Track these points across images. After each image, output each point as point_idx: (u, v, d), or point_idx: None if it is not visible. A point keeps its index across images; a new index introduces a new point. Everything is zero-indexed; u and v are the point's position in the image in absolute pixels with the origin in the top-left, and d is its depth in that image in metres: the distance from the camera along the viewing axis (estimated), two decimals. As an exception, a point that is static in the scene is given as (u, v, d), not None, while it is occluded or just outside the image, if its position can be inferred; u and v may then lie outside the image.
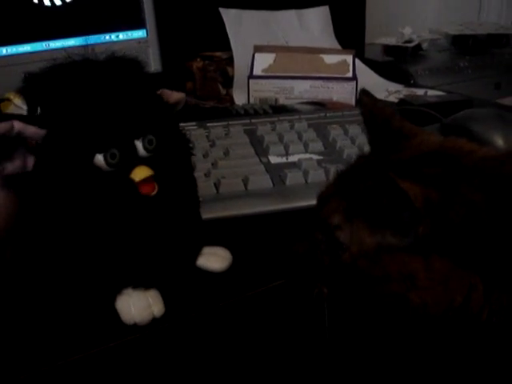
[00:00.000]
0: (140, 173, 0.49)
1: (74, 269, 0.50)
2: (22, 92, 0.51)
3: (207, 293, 0.55)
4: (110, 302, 0.51)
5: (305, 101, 1.02)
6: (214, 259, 0.58)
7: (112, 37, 1.05)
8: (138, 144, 0.49)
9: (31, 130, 0.49)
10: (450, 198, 0.42)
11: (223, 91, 1.14)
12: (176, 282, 0.54)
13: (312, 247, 0.50)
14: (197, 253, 0.57)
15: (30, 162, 0.50)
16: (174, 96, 0.55)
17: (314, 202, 0.70)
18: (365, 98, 0.53)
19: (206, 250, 0.58)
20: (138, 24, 1.07)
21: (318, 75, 1.03)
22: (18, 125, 0.48)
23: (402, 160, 0.47)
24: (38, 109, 0.50)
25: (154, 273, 0.52)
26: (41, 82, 0.50)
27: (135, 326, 0.50)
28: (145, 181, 0.49)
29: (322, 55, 1.06)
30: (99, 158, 0.48)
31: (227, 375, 0.56)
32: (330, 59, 1.05)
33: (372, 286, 0.46)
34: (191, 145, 0.56)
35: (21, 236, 0.52)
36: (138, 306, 0.51)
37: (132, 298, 0.51)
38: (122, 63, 0.52)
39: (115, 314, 0.51)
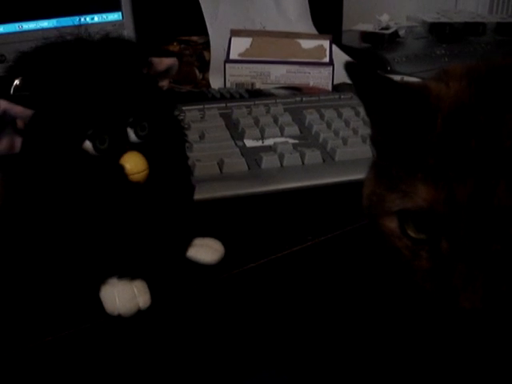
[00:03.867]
0: (131, 161, 0.47)
1: (58, 254, 0.49)
2: (11, 71, 0.49)
3: (195, 284, 0.55)
4: (94, 291, 0.50)
5: (281, 85, 1.02)
6: (204, 251, 0.57)
7: (87, 19, 1.03)
8: (130, 129, 0.48)
9: (17, 110, 0.47)
10: None
11: (199, 75, 1.13)
12: (164, 272, 0.53)
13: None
14: (187, 244, 0.57)
15: (18, 143, 0.48)
16: (165, 62, 0.53)
17: (288, 185, 0.70)
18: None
19: (197, 241, 0.57)
20: (114, 6, 1.05)
21: (294, 60, 1.02)
22: (3, 104, 0.46)
23: None
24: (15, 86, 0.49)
25: (141, 263, 0.51)
26: (31, 61, 0.49)
27: (119, 317, 0.49)
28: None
29: (298, 40, 1.05)
30: (87, 143, 0.46)
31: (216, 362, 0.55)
32: (307, 44, 1.05)
33: None
34: (185, 131, 0.55)
35: (6, 218, 0.50)
36: (122, 296, 0.50)
37: (117, 288, 0.50)
38: (116, 44, 0.51)
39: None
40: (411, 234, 0.45)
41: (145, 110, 0.49)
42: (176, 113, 0.55)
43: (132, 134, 0.48)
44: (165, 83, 0.54)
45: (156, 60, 0.52)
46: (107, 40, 0.51)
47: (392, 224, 0.46)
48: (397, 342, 0.52)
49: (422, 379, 0.51)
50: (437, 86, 0.44)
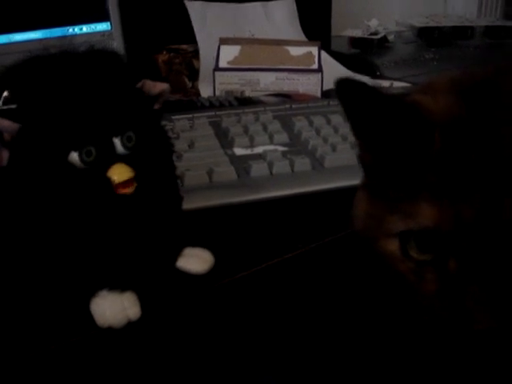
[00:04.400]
0: (118, 172, 0.47)
1: (47, 268, 0.49)
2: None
3: (186, 294, 0.54)
4: (84, 304, 0.50)
5: (271, 93, 1.02)
6: (194, 261, 0.57)
7: (75, 30, 1.03)
8: (117, 141, 0.48)
9: (5, 124, 0.47)
10: None
11: (189, 84, 1.14)
12: (154, 284, 0.53)
13: None
14: (177, 254, 0.57)
15: (5, 156, 0.48)
16: (158, 87, 0.53)
17: (278, 193, 0.70)
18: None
19: (187, 251, 0.57)
20: (102, 16, 1.06)
21: (283, 67, 1.03)
22: (-10, 118, 0.46)
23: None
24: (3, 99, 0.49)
25: (130, 274, 0.51)
26: (16, 75, 0.49)
27: (110, 329, 0.49)
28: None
29: (287, 47, 1.05)
30: (74, 156, 0.46)
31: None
32: (296, 51, 1.05)
33: None
34: (172, 141, 0.55)
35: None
36: (112, 308, 0.50)
37: (107, 301, 0.50)
38: (101, 56, 0.51)
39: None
40: (414, 255, 0.43)
41: (131, 121, 0.49)
42: (163, 123, 0.55)
43: (119, 146, 0.48)
44: (156, 107, 0.54)
45: (149, 83, 0.53)
46: (92, 52, 0.51)
47: (393, 246, 0.44)
48: (394, 354, 0.52)
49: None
50: (425, 100, 0.43)
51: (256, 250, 0.62)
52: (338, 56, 1.29)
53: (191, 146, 0.78)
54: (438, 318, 0.43)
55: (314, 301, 0.58)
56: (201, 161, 0.74)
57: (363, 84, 0.42)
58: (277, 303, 0.58)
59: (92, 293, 0.50)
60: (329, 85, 1.04)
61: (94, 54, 0.51)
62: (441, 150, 0.41)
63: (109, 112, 0.48)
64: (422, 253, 0.43)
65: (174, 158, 0.74)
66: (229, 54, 1.05)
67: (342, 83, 0.42)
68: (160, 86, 0.53)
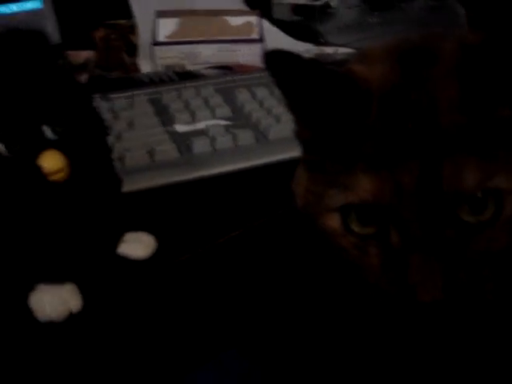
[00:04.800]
0: (48, 159, 0.45)
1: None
2: None
3: (129, 281, 0.53)
4: (22, 299, 0.48)
5: (212, 65, 0.99)
6: (136, 246, 0.55)
7: (3, 8, 0.99)
8: (45, 127, 0.45)
9: None
10: None
11: (128, 60, 1.10)
12: (95, 273, 0.51)
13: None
14: (117, 240, 0.55)
15: None
16: (82, 55, 0.51)
17: (222, 169, 0.69)
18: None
19: (128, 236, 0.56)
20: (32, -6, 1.01)
21: (223, 38, 1.00)
22: None
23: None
24: None
25: (68, 265, 0.49)
26: None
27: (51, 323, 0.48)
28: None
29: (226, 17, 1.03)
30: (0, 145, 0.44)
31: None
32: (235, 21, 1.03)
33: None
34: (105, 122, 0.53)
35: None
36: (52, 302, 0.48)
37: (46, 294, 0.48)
38: (24, 38, 0.48)
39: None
40: (356, 229, 0.41)
41: (58, 106, 0.46)
42: (99, 103, 0.52)
43: (48, 131, 0.46)
44: (83, 77, 0.52)
45: (73, 53, 0.50)
46: (13, 33, 0.48)
47: (334, 221, 0.42)
48: (340, 325, 0.51)
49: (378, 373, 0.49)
50: (362, 70, 0.41)
51: (202, 230, 0.60)
52: (280, 24, 1.26)
53: (131, 125, 0.75)
54: (384, 293, 0.41)
55: (263, 277, 0.56)
56: (141, 140, 0.72)
57: (294, 55, 0.40)
58: (224, 283, 0.57)
59: (30, 287, 0.48)
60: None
61: (15, 36, 0.48)
62: (377, 119, 0.40)
63: (32, 97, 0.45)
64: (364, 226, 0.41)
65: (113, 138, 0.72)
66: (167, 27, 1.02)
67: (271, 56, 0.40)
68: (84, 55, 0.51)
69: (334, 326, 0.51)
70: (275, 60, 0.40)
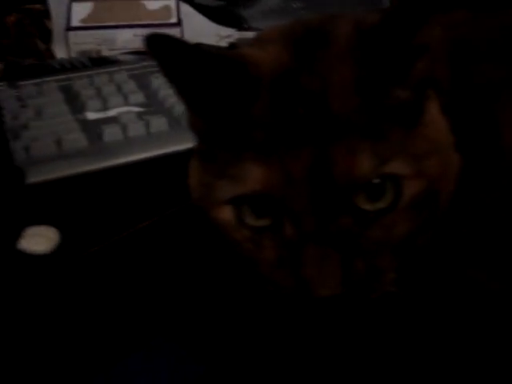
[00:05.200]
0: None
1: None
2: None
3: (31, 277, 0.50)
4: None
5: (129, 51, 0.96)
6: (37, 241, 0.53)
7: None
8: None
9: None
10: None
11: (43, 46, 1.05)
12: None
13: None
14: (17, 235, 0.52)
15: None
16: None
17: (134, 157, 0.66)
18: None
19: (29, 230, 0.53)
20: None
21: (140, 23, 0.97)
22: None
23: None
24: None
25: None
26: None
27: None
28: None
29: (143, 1, 1.00)
30: None
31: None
32: (152, 5, 1.00)
33: None
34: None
35: None
36: None
37: None
38: None
39: None
40: (250, 222, 0.39)
41: None
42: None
43: None
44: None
45: None
46: None
47: (226, 215, 0.40)
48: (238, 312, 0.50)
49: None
50: (253, 53, 0.40)
51: (111, 221, 0.58)
52: (202, 9, 1.23)
53: (39, 113, 0.72)
54: (281, 289, 0.39)
55: (173, 267, 0.54)
56: (49, 129, 0.69)
57: (175, 39, 0.37)
58: (134, 276, 0.55)
59: None
60: (192, 39, 1.00)
61: None
62: (266, 104, 0.37)
63: None
64: (259, 218, 0.39)
65: (19, 128, 0.68)
66: (81, 11, 0.98)
67: (151, 40, 0.37)
68: None
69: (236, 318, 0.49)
70: (156, 45, 0.37)
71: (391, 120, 0.37)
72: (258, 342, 0.47)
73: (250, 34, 1.16)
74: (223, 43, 1.09)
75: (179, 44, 0.37)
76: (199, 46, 0.38)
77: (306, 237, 0.37)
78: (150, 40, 0.37)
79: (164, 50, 0.37)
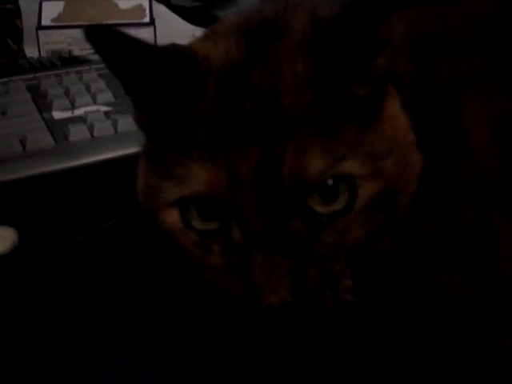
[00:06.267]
0: None
1: None
2: None
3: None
4: None
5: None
6: None
7: None
8: None
9: None
10: None
11: (14, 46, 1.04)
12: None
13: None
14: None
15: None
16: None
17: (99, 157, 0.65)
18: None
19: None
20: None
21: (112, 22, 0.95)
22: None
23: None
24: None
25: None
26: None
27: None
28: None
29: (115, 0, 0.98)
30: None
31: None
32: (125, 4, 0.99)
33: None
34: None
35: None
36: None
37: None
38: None
39: None
40: (197, 226, 0.37)
41: None
42: None
43: None
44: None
45: None
46: None
47: (172, 217, 0.38)
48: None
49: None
50: (204, 47, 0.38)
51: (74, 221, 0.56)
52: (178, 10, 1.23)
53: (4, 112, 0.70)
54: (230, 297, 0.37)
55: (136, 269, 0.53)
56: (14, 128, 0.67)
57: (118, 32, 0.35)
58: (98, 273, 0.53)
59: None
60: (166, 39, 0.99)
61: None
62: (213, 101, 0.36)
63: None
64: (206, 222, 0.37)
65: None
66: (52, 10, 0.97)
67: (92, 32, 0.35)
68: None
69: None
70: (96, 37, 0.35)
71: (346, 117, 0.35)
72: (221, 342, 0.46)
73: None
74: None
75: (120, 37, 0.35)
76: (140, 40, 0.36)
77: (254, 241, 0.35)
78: (90, 32, 0.35)
79: (105, 42, 0.36)
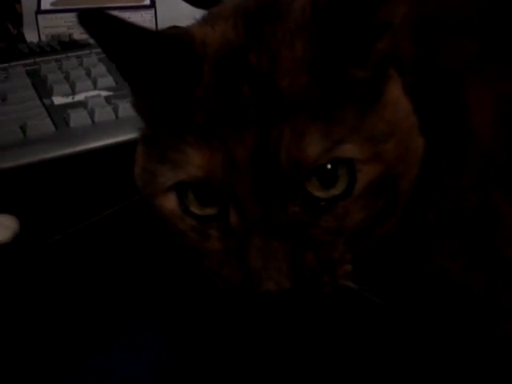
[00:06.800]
0: None
1: None
2: None
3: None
4: None
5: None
6: None
7: None
8: None
9: None
10: None
11: (14, 31, 1.03)
12: None
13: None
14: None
15: None
16: None
17: (101, 143, 0.65)
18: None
19: None
20: None
21: (112, 5, 0.95)
22: None
23: None
24: None
25: None
26: None
27: None
28: None
29: (115, -17, 0.98)
30: None
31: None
32: (125, -13, 0.98)
33: None
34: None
35: None
36: None
37: None
38: None
39: None
40: (195, 211, 0.37)
41: None
42: None
43: None
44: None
45: None
46: None
47: (170, 203, 0.37)
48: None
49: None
50: (201, 31, 0.37)
51: (76, 208, 0.56)
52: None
53: (4, 99, 0.70)
54: (228, 282, 0.37)
55: (138, 255, 0.53)
56: (15, 114, 0.67)
57: (112, 17, 0.34)
58: (99, 262, 0.53)
59: None
60: (167, 22, 0.98)
61: None
62: (210, 84, 0.35)
63: None
64: (204, 207, 0.36)
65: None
66: (52, -6, 0.96)
67: (86, 18, 0.34)
68: None
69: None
70: (90, 22, 0.35)
71: (346, 100, 0.34)
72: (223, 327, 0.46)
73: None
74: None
75: (114, 21, 0.35)
76: (134, 25, 0.35)
77: (251, 226, 0.34)
78: (83, 17, 0.34)
79: (99, 27, 0.35)
